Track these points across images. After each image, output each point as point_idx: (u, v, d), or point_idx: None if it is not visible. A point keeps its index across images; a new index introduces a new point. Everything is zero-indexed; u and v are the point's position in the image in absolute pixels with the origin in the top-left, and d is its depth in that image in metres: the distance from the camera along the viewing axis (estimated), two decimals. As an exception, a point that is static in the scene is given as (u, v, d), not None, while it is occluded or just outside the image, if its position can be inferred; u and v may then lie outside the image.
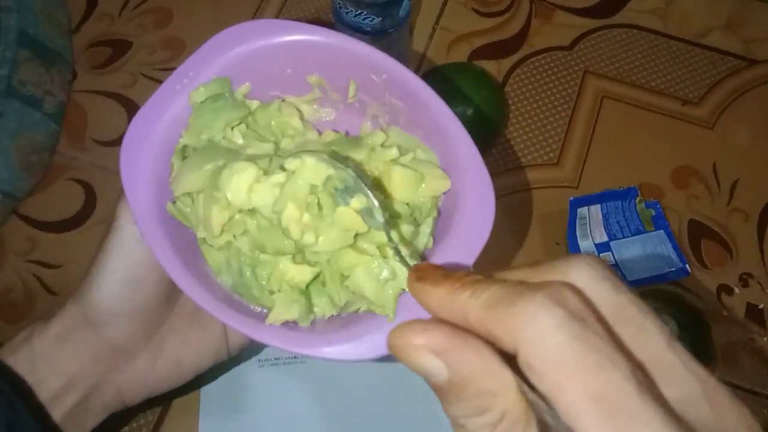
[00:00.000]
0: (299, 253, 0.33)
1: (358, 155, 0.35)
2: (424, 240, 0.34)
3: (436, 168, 0.36)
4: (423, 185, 0.35)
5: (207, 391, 0.53)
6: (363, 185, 0.31)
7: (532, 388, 0.19)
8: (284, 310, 0.33)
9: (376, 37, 0.58)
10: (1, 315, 0.58)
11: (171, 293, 0.38)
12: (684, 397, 0.19)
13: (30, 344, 0.36)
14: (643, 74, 0.67)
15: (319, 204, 0.32)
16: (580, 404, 0.17)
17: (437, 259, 0.33)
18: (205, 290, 0.33)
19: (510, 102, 0.65)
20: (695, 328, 0.52)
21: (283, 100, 0.39)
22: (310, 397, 0.52)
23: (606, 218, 0.58)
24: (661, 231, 0.58)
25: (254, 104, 0.38)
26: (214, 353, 0.40)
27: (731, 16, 0.70)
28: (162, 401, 0.53)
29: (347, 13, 0.56)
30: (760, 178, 0.62)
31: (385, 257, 0.33)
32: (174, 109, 0.36)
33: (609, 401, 0.17)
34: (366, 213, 0.31)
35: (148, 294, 0.36)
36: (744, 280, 0.58)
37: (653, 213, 0.59)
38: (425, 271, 0.23)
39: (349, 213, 0.32)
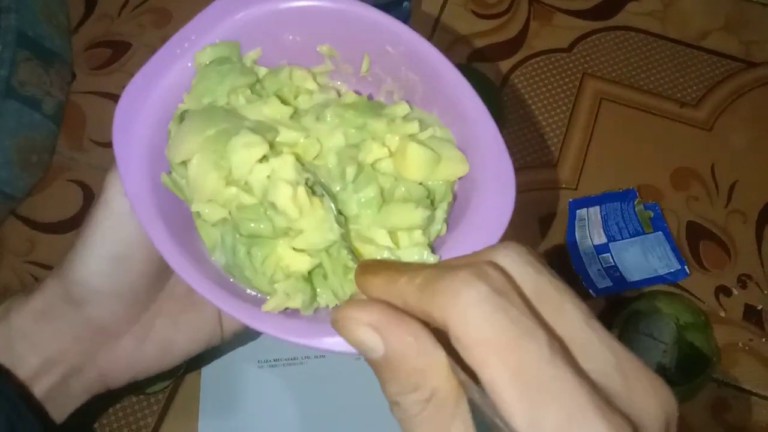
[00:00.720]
0: (287, 237, 0.31)
1: (377, 124, 0.33)
2: (437, 226, 0.32)
3: (455, 149, 0.33)
4: (439, 166, 0.32)
5: (206, 392, 0.53)
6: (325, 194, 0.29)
7: (465, 365, 0.19)
8: (286, 298, 0.31)
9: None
10: (-1, 316, 0.58)
11: (162, 272, 0.36)
12: (599, 369, 0.19)
13: (7, 320, 0.34)
14: (641, 76, 0.67)
15: (311, 189, 0.31)
16: (501, 379, 0.18)
17: (451, 246, 0.31)
18: (199, 271, 0.30)
19: (509, 104, 0.66)
20: (694, 330, 0.52)
21: None
22: (309, 399, 0.52)
23: (605, 220, 0.58)
24: (660, 232, 0.58)
25: (263, 70, 0.35)
26: (207, 337, 0.38)
27: (730, 19, 0.70)
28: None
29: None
30: (759, 180, 0.62)
31: (396, 244, 0.31)
32: (173, 73, 0.33)
33: (527, 374, 0.18)
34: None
35: (136, 272, 0.34)
36: (742, 281, 0.58)
37: (652, 214, 0.59)
38: (368, 264, 0.24)
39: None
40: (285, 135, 0.32)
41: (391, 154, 0.32)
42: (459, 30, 0.69)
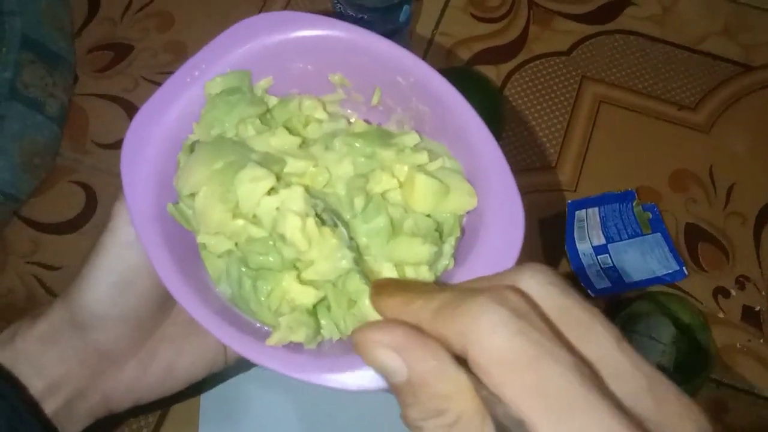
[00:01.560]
0: (294, 271, 0.31)
1: (386, 153, 0.32)
2: (445, 261, 0.32)
3: (464, 182, 0.33)
4: (448, 198, 0.32)
5: (206, 401, 0.53)
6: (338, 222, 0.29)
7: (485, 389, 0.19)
8: (289, 332, 0.30)
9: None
10: (2, 316, 0.59)
11: (166, 299, 0.36)
12: (631, 392, 0.19)
13: (13, 343, 0.35)
14: (640, 80, 0.67)
15: (320, 218, 0.30)
16: (524, 398, 0.18)
17: (459, 282, 0.30)
18: (202, 302, 0.30)
19: (508, 106, 0.66)
20: (692, 331, 0.52)
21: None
22: (310, 408, 0.52)
23: (604, 221, 0.58)
24: (659, 234, 0.58)
25: (273, 100, 0.35)
26: (210, 363, 0.39)
27: (728, 23, 0.70)
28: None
29: (348, 17, 0.56)
30: (757, 183, 0.62)
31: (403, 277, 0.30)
32: (183, 101, 0.33)
33: (550, 393, 0.18)
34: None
35: (141, 299, 0.34)
36: (741, 282, 0.58)
37: (650, 216, 0.59)
38: (382, 285, 0.24)
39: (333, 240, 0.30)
40: (293, 165, 0.32)
41: (401, 185, 0.32)
42: (459, 33, 0.70)
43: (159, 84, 0.34)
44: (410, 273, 0.31)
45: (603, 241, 0.57)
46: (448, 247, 0.32)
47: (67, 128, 0.66)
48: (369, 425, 0.52)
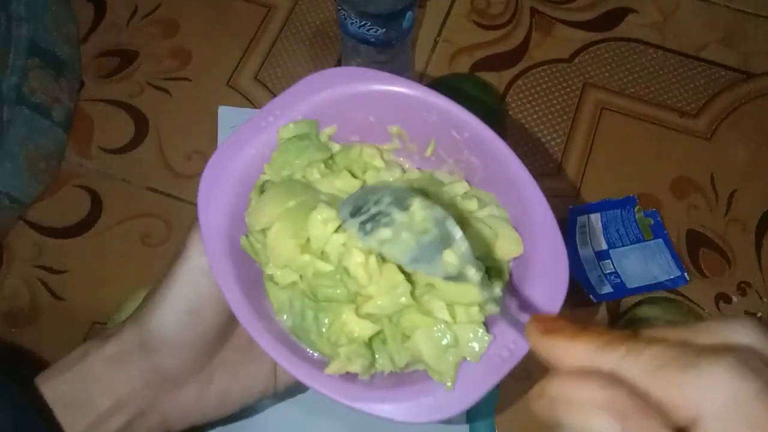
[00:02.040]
0: (352, 304, 0.33)
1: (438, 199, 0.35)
2: (494, 306, 0.33)
3: (512, 229, 0.34)
4: (496, 244, 0.34)
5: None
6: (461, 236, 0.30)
7: None
8: (347, 363, 0.32)
9: (380, 48, 0.59)
10: (7, 319, 0.59)
11: (228, 326, 0.38)
12: None
13: (84, 362, 0.36)
14: (641, 86, 0.68)
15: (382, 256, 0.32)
16: None
17: (504, 326, 0.31)
18: (265, 329, 0.33)
19: (510, 113, 0.66)
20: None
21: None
22: (321, 410, 0.52)
23: (605, 227, 0.59)
24: (660, 240, 0.58)
25: (336, 147, 0.38)
26: (262, 389, 0.40)
27: (729, 30, 0.71)
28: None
29: (352, 24, 0.57)
30: (758, 189, 0.63)
31: (453, 318, 0.31)
32: (257, 144, 0.36)
33: None
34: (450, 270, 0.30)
35: (207, 326, 0.36)
36: (742, 289, 0.58)
37: (652, 222, 0.59)
38: (552, 323, 0.21)
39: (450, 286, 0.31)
40: None
41: None
42: (461, 40, 0.70)
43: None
44: (461, 314, 0.32)
45: (605, 246, 0.58)
46: (497, 291, 0.33)
47: (72, 133, 0.66)
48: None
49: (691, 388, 0.17)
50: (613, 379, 0.19)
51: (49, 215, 0.63)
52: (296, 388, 0.43)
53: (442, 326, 0.31)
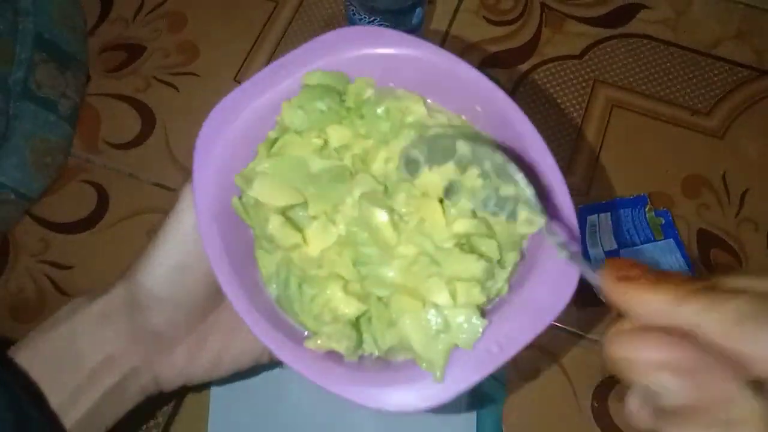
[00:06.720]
0: (357, 282, 0.31)
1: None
2: (498, 285, 0.31)
3: (529, 205, 0.32)
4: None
5: (216, 395, 0.53)
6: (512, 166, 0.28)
7: None
8: (329, 340, 0.30)
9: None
10: (13, 314, 0.59)
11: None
12: None
13: (72, 320, 0.36)
14: (653, 84, 0.67)
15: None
16: None
17: (506, 313, 0.29)
18: (247, 298, 0.31)
19: (520, 109, 0.66)
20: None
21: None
22: (322, 402, 0.52)
23: (616, 226, 0.58)
24: (671, 239, 0.58)
25: (368, 91, 0.34)
26: (257, 354, 0.39)
27: (742, 27, 0.70)
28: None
29: (360, 20, 0.56)
30: (770, 189, 0.62)
31: (454, 298, 0.29)
32: (265, 98, 0.33)
33: None
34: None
35: (197, 284, 0.35)
36: (753, 289, 0.58)
37: (663, 221, 0.59)
38: (630, 269, 0.21)
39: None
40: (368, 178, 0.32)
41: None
42: (471, 36, 0.70)
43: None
44: (461, 292, 0.30)
45: (615, 246, 0.57)
46: (505, 273, 0.31)
47: (79, 128, 0.66)
48: (382, 425, 0.52)
49: None
50: (675, 339, 0.18)
51: (56, 210, 0.63)
52: None
53: (433, 311, 0.29)
